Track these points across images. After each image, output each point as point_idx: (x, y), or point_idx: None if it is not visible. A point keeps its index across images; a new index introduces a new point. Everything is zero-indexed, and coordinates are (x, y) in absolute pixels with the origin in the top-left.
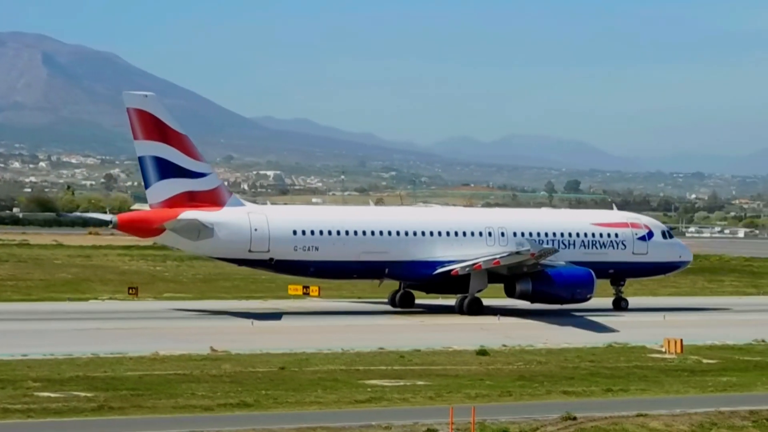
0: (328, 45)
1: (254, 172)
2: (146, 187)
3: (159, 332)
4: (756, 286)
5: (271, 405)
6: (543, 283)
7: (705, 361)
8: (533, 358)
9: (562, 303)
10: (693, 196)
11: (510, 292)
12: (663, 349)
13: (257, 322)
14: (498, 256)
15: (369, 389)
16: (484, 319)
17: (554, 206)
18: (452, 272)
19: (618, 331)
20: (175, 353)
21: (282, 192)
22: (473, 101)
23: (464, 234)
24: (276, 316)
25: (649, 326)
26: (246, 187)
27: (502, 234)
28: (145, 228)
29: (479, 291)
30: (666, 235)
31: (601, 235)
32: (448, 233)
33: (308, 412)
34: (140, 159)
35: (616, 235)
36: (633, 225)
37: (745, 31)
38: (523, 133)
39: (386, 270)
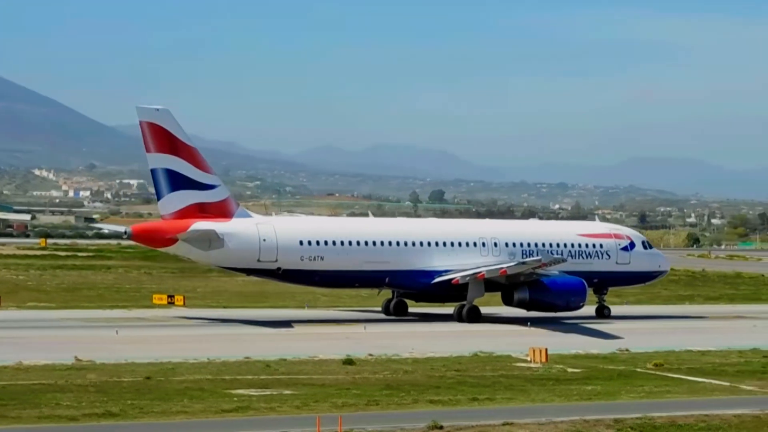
0: (192, 50)
1: (117, 181)
2: (158, 198)
3: (22, 342)
4: (619, 295)
5: (137, 415)
6: (539, 291)
7: (570, 370)
8: (400, 367)
9: (556, 311)
10: (557, 206)
11: (507, 301)
12: (528, 358)
13: (122, 331)
14: (505, 266)
15: (235, 398)
16: (350, 328)
17: (419, 216)
18: (453, 281)
19: (484, 340)
20: (39, 363)
21: (146, 201)
22: (339, 110)
23: (460, 244)
24: (142, 325)
25: (514, 335)
26: (109, 195)
27: (495, 244)
28: (158, 238)
29: (476, 299)
30: (646, 245)
31: (587, 245)
32: (444, 243)
33: (175, 422)
34: (152, 171)
35: (601, 246)
36: (616, 236)
37: (609, 41)
38: (389, 143)
39: (386, 279)
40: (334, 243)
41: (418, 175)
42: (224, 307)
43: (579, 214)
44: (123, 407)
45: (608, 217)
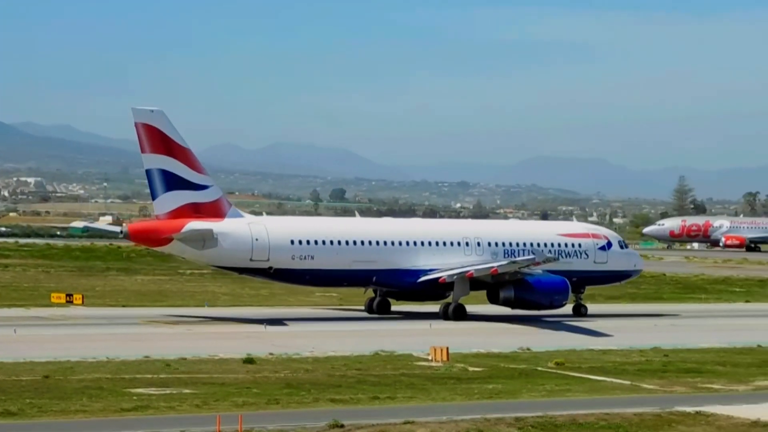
0: (88, 50)
1: (14, 179)
2: (153, 198)
3: None
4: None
5: (36, 414)
6: (524, 290)
7: (471, 368)
8: (300, 366)
9: (540, 309)
10: (458, 204)
11: (493, 299)
12: (429, 357)
13: (20, 330)
14: (496, 264)
15: (135, 397)
16: (251, 328)
17: (320, 214)
18: (440, 280)
19: (386, 339)
20: None
21: (43, 199)
22: (238, 108)
23: (444, 244)
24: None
25: (415, 334)
26: (6, 193)
27: (478, 244)
28: (154, 238)
29: (462, 297)
30: (622, 245)
31: (566, 245)
32: (430, 243)
33: (73, 421)
34: (147, 172)
35: (580, 245)
36: (594, 235)
37: (511, 41)
38: (289, 141)
39: (373, 278)
40: (324, 242)
41: (318, 173)
42: (123, 306)
43: (480, 213)
44: (21, 406)
45: (509, 215)
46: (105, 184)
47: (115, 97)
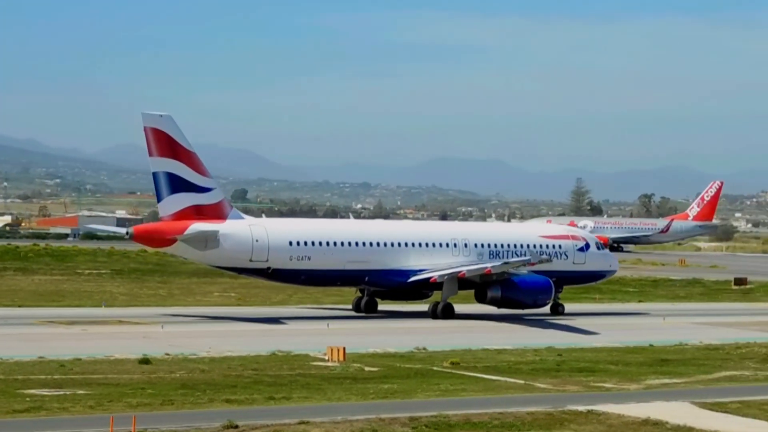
0: None
1: None
2: (158, 200)
3: None
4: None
5: None
6: (510, 290)
7: (367, 368)
8: (196, 366)
9: (525, 308)
10: (359, 205)
11: (480, 298)
12: (326, 357)
13: None
14: (490, 265)
15: (28, 399)
16: (148, 328)
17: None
18: (431, 280)
19: (283, 339)
20: None
21: None
22: (140, 108)
23: (433, 245)
24: None
25: (313, 334)
26: None
27: (465, 245)
28: (158, 239)
29: (450, 297)
30: (599, 246)
31: (547, 246)
32: (420, 244)
33: None
34: (154, 174)
35: (560, 247)
36: (573, 237)
37: (409, 44)
38: (192, 141)
39: (366, 278)
40: (320, 243)
41: (221, 173)
42: (19, 305)
43: (381, 213)
44: None
45: (410, 216)
46: (5, 183)
47: (15, 96)
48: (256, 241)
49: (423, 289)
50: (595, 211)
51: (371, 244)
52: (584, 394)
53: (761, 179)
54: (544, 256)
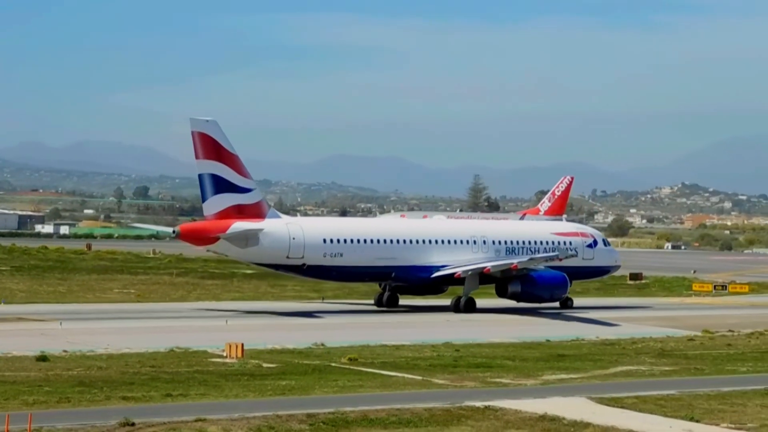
0: None
1: None
2: (203, 200)
3: None
4: (317, 290)
5: None
6: (529, 284)
7: (265, 365)
8: (94, 363)
9: (542, 302)
10: None
11: (501, 293)
12: (224, 354)
13: None
14: (516, 261)
15: None
16: (46, 325)
17: (123, 212)
18: (455, 275)
19: (182, 335)
20: None
21: None
22: (42, 106)
23: (455, 242)
24: None
25: (212, 330)
26: None
27: (484, 242)
28: (203, 237)
29: (472, 292)
30: (605, 243)
31: (558, 243)
32: (442, 241)
33: None
34: (200, 176)
35: (571, 243)
36: (582, 234)
37: (309, 45)
38: (94, 139)
39: (393, 274)
40: (351, 241)
41: (123, 171)
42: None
43: (282, 210)
44: None
45: (309, 212)
46: None
47: None
48: (293, 239)
49: (442, 284)
50: (493, 207)
51: (398, 241)
52: (481, 389)
53: (656, 176)
54: (571, 252)
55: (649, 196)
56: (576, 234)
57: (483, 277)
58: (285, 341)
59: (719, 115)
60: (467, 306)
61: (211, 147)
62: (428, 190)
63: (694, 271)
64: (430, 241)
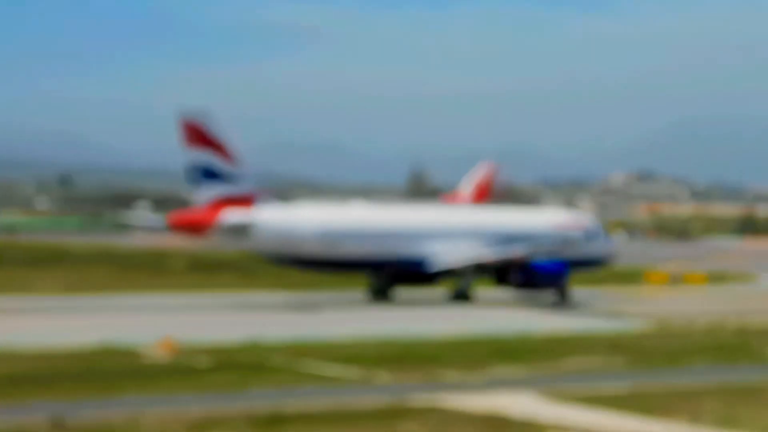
0: None
1: None
2: (194, 191)
3: None
4: (251, 284)
5: None
6: (530, 274)
7: (200, 361)
8: (22, 359)
9: (542, 291)
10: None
11: (501, 282)
12: (157, 350)
13: None
14: (518, 251)
15: None
16: None
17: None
18: (455, 266)
19: (112, 329)
20: None
21: None
22: None
23: (452, 232)
24: None
25: (144, 325)
26: None
27: (482, 232)
28: (195, 227)
29: (471, 282)
30: (602, 232)
31: (557, 231)
32: (441, 231)
33: None
34: (191, 165)
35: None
36: (578, 222)
37: (239, 25)
38: (14, 126)
39: (391, 264)
40: (350, 231)
41: (45, 159)
42: None
43: None
44: None
45: None
46: None
47: None
48: (290, 229)
49: (439, 275)
50: (436, 195)
51: (396, 231)
52: (426, 385)
53: (608, 161)
54: (573, 242)
55: (600, 182)
56: (572, 222)
57: (483, 267)
58: (221, 336)
59: (671, 93)
60: (466, 296)
61: (200, 135)
62: (369, 178)
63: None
64: (429, 231)
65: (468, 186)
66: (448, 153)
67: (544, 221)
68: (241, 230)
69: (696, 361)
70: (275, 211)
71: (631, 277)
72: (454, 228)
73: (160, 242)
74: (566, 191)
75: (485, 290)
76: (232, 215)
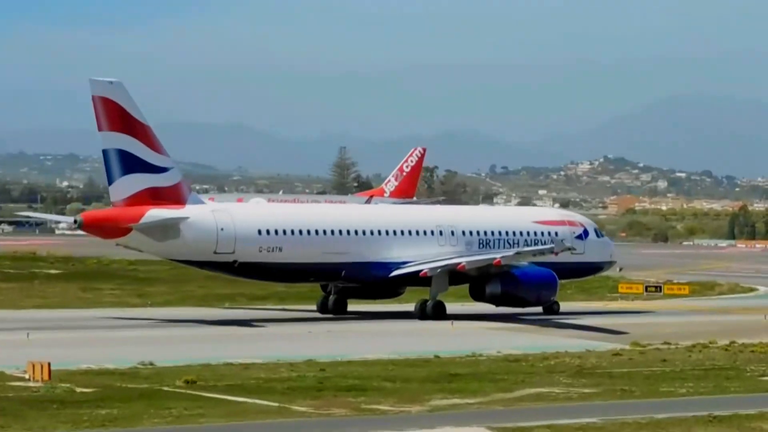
0: None
1: None
2: (109, 183)
3: None
4: (142, 295)
5: None
6: (511, 284)
7: (79, 389)
8: None
9: (526, 306)
10: (65, 183)
11: (477, 295)
12: (27, 376)
13: None
14: (499, 256)
15: None
16: None
17: None
18: (421, 273)
19: None
20: None
21: None
22: None
23: (417, 233)
24: None
25: (10, 346)
26: None
27: (452, 233)
28: (111, 228)
29: (441, 294)
30: (598, 233)
31: (542, 233)
32: (403, 232)
33: None
34: (104, 152)
35: (556, 234)
36: (570, 223)
37: None
38: None
39: (343, 272)
40: (293, 232)
41: None
42: None
43: (92, 193)
44: None
45: None
46: None
47: None
48: (221, 229)
49: (402, 285)
50: (363, 187)
51: (349, 232)
52: (354, 418)
53: (571, 148)
54: (569, 244)
55: (562, 173)
56: (563, 223)
57: (456, 275)
58: (103, 359)
59: (651, 68)
60: (436, 311)
61: (116, 116)
62: (282, 167)
63: (621, 269)
64: (387, 232)
65: (393, 177)
66: (379, 138)
67: (529, 220)
68: (166, 230)
69: (678, 389)
70: (205, 207)
71: (600, 287)
72: (420, 228)
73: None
74: (522, 185)
75: (460, 303)
76: (155, 212)
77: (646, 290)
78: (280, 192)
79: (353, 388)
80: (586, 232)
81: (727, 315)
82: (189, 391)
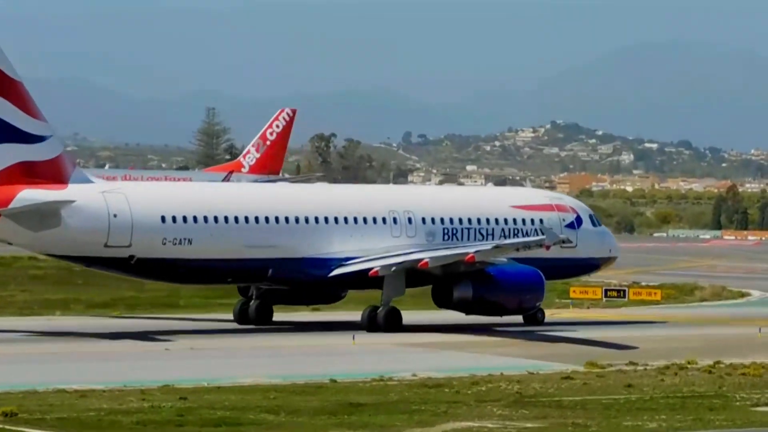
0: None
1: None
2: None
3: None
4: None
5: None
6: (486, 287)
7: None
8: None
9: (504, 314)
10: None
11: (442, 300)
12: None
13: None
14: (473, 251)
15: None
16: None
17: None
18: (371, 272)
19: None
20: None
21: None
22: None
23: (365, 221)
24: None
25: None
26: None
27: (410, 220)
28: None
29: (395, 299)
30: (594, 221)
31: (523, 221)
32: (346, 220)
33: None
34: None
35: (541, 222)
36: (559, 208)
37: None
38: None
39: (270, 271)
40: (206, 220)
41: None
42: None
43: None
44: None
45: None
46: None
47: None
48: (114, 216)
49: (343, 287)
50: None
51: (278, 220)
52: None
53: (509, 110)
54: (563, 236)
55: (497, 143)
56: (550, 208)
57: (417, 275)
58: None
59: (615, 4)
60: (389, 320)
61: None
62: (131, 134)
63: None
64: (326, 220)
65: (253, 147)
66: (256, 97)
67: (506, 204)
68: (42, 217)
69: (647, 424)
70: (93, 187)
71: (547, 292)
72: (369, 214)
73: None
74: (444, 158)
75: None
76: (28, 193)
77: (606, 295)
78: (129, 167)
79: (223, 422)
80: (579, 220)
81: (711, 327)
82: (7, 427)
